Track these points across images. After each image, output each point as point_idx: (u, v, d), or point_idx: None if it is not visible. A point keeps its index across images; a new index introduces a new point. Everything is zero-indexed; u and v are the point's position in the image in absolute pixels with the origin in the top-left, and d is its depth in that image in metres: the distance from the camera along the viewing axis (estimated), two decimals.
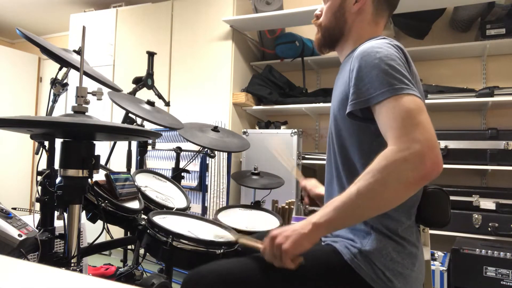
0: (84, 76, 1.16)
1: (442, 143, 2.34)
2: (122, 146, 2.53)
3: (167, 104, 2.26)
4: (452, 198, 2.29)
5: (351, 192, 0.80)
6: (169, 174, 2.16)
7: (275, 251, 0.84)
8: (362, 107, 0.87)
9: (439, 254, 2.22)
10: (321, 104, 2.72)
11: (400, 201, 0.81)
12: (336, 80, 1.08)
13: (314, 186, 1.29)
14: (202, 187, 2.65)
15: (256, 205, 1.93)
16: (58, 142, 1.10)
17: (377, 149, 0.88)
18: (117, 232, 1.61)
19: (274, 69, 3.03)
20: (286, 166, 1.30)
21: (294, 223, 0.90)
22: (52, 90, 1.46)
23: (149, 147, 2.06)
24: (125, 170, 2.02)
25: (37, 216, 1.18)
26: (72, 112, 1.09)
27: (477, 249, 1.93)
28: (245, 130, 2.79)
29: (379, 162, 0.78)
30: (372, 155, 0.87)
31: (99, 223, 1.25)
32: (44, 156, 1.12)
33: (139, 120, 1.87)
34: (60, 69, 1.45)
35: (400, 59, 0.86)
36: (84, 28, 1.14)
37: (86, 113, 1.10)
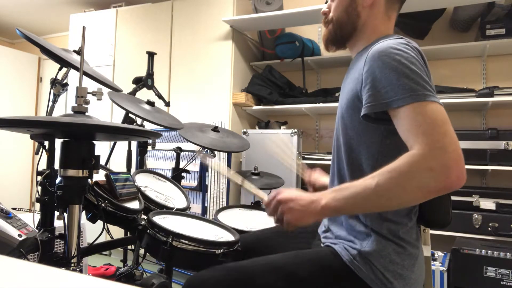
0: (84, 76, 1.16)
1: None
2: (122, 146, 2.53)
3: (167, 104, 2.25)
4: (452, 198, 2.28)
5: (368, 186, 0.79)
6: (169, 174, 2.16)
7: (278, 215, 0.88)
8: (379, 111, 0.84)
9: (439, 254, 2.21)
10: (321, 104, 2.71)
11: (413, 205, 0.81)
12: (346, 76, 1.05)
13: (318, 176, 1.26)
14: (202, 187, 2.65)
15: (256, 205, 1.93)
16: (58, 142, 1.10)
17: (386, 151, 0.88)
18: (117, 232, 1.61)
19: (274, 69, 3.03)
20: (286, 164, 1.31)
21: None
22: (52, 90, 1.46)
23: (149, 147, 2.06)
24: (125, 170, 2.02)
25: (37, 216, 1.18)
26: (72, 112, 1.09)
27: (477, 249, 1.93)
28: (245, 130, 2.79)
29: (404, 164, 0.76)
30: (380, 157, 0.87)
31: (99, 223, 1.25)
32: (44, 156, 1.12)
33: (139, 120, 1.87)
34: (60, 69, 1.45)
35: (420, 63, 0.84)
36: (84, 28, 1.14)
37: (86, 113, 1.10)
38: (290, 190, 0.91)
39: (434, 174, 0.74)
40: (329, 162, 1.08)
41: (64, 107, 3.58)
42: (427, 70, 0.86)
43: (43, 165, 1.16)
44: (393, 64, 0.82)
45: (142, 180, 1.60)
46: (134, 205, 1.34)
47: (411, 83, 0.80)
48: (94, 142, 1.11)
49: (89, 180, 1.10)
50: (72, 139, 1.07)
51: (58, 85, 1.45)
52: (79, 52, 1.49)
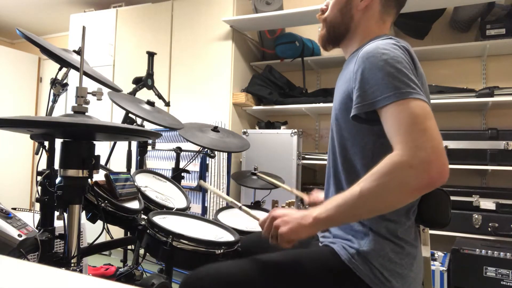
0: (84, 76, 1.16)
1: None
2: (122, 146, 2.53)
3: (167, 104, 2.25)
4: (452, 198, 2.28)
5: (354, 192, 0.80)
6: (169, 174, 2.16)
7: (272, 231, 0.88)
8: (367, 111, 0.85)
9: (439, 254, 2.21)
10: (321, 104, 2.71)
11: (401, 206, 0.81)
12: (339, 78, 1.06)
13: (317, 196, 1.25)
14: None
15: (256, 205, 1.93)
16: (58, 142, 1.10)
17: (379, 150, 0.88)
18: (117, 232, 1.61)
19: (274, 69, 3.03)
20: (288, 189, 1.38)
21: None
22: (52, 90, 1.45)
23: (149, 147, 2.06)
24: (125, 170, 2.02)
25: (37, 216, 1.18)
26: (72, 112, 1.09)
27: (477, 249, 1.93)
28: (245, 130, 2.79)
29: (385, 166, 0.77)
30: (375, 157, 0.87)
31: (99, 223, 1.25)
32: (44, 156, 1.12)
33: (139, 120, 1.87)
34: (60, 69, 1.45)
35: (406, 61, 0.85)
36: (84, 28, 1.14)
37: (86, 113, 1.10)
38: (285, 209, 0.93)
39: (414, 171, 0.74)
40: None
41: (64, 107, 3.58)
42: (416, 69, 0.87)
43: (43, 165, 1.16)
44: (380, 64, 0.83)
45: (142, 180, 1.60)
46: (134, 205, 1.34)
47: (395, 81, 0.81)
48: (94, 142, 1.12)
49: (89, 180, 1.10)
50: (72, 139, 1.07)
51: (58, 85, 1.45)
52: (79, 52, 1.49)
